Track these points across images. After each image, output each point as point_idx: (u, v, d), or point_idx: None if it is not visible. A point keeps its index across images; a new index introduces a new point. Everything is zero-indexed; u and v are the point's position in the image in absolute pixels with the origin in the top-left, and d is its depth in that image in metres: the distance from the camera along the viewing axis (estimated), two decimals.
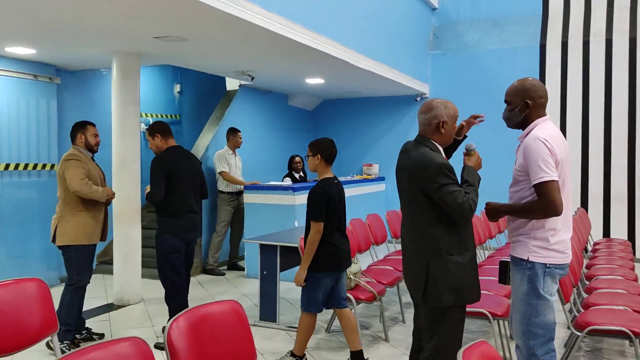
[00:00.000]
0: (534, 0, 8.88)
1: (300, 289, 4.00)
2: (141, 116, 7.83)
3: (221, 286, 6.58)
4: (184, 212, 4.49)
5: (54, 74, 6.52)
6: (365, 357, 4.01)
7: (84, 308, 4.66)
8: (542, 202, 2.69)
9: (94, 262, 4.61)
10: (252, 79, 7.48)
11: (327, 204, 3.74)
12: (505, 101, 2.98)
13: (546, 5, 8.83)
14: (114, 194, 4.54)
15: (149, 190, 4.45)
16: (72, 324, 4.33)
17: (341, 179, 7.43)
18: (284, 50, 5.75)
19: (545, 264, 2.77)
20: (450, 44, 9.39)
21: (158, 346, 4.32)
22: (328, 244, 3.81)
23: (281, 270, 5.14)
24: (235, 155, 7.38)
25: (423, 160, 2.77)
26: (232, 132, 7.37)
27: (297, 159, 8.04)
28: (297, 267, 3.93)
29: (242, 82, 8.29)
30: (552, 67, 8.63)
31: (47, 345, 4.33)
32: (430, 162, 2.74)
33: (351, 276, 4.43)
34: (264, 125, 9.08)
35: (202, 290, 6.35)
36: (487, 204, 2.96)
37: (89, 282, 4.48)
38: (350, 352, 3.96)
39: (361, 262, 5.03)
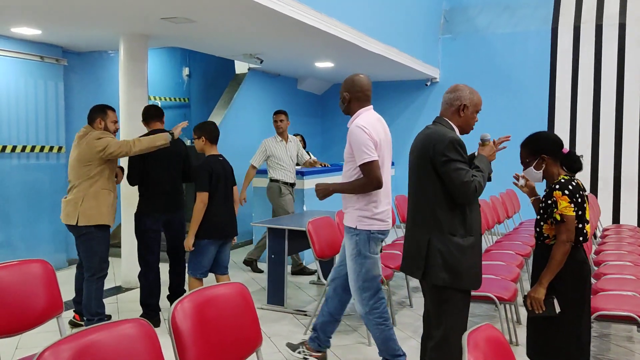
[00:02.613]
0: None
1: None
2: (149, 99, 7.84)
3: (230, 270, 6.58)
4: (159, 193, 4.57)
5: (60, 55, 6.50)
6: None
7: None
8: (367, 179, 3.21)
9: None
10: (261, 62, 7.42)
11: (210, 177, 4.11)
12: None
13: None
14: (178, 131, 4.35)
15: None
16: (103, 313, 4.25)
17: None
18: (293, 32, 5.69)
19: (370, 230, 3.30)
20: (461, 27, 9.26)
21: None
22: (213, 214, 4.15)
23: (289, 254, 5.14)
24: (284, 140, 6.40)
25: (435, 135, 2.77)
26: (274, 114, 6.56)
27: (298, 137, 8.03)
28: (306, 251, 3.99)
29: (251, 66, 8.24)
30: (563, 51, 8.49)
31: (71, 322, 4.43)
32: (442, 136, 2.73)
33: None
34: (273, 109, 8.99)
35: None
36: (316, 184, 3.46)
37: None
38: None
39: None
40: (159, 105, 5.10)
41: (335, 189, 3.39)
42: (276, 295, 5.05)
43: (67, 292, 5.44)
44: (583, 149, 8.33)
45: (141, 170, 4.54)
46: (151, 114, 4.71)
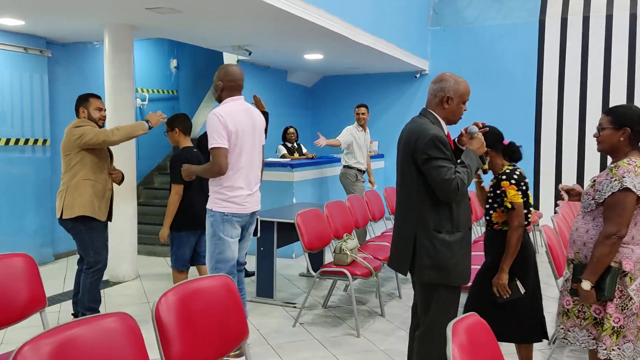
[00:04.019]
0: None
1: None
2: (137, 91, 7.76)
3: None
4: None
5: (44, 46, 6.41)
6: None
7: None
8: (211, 164, 3.41)
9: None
10: (250, 53, 7.36)
11: None
12: None
13: None
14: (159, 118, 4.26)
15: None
16: (96, 309, 4.15)
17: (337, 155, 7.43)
18: (282, 24, 5.64)
19: (224, 213, 3.48)
20: (449, 19, 9.25)
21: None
22: (189, 205, 4.28)
23: (278, 247, 5.13)
24: (363, 130, 6.91)
25: (417, 130, 2.70)
26: (355, 107, 7.00)
27: (291, 129, 7.99)
28: (295, 244, 3.97)
29: (240, 57, 8.18)
30: (551, 43, 8.51)
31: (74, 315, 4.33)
32: (424, 133, 2.65)
33: (347, 252, 4.41)
34: (263, 101, 8.98)
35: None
36: (182, 166, 3.70)
37: (106, 264, 4.25)
38: None
39: (358, 238, 5.02)
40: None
41: (194, 170, 3.65)
42: (265, 288, 5.04)
43: (53, 286, 5.43)
44: (570, 140, 8.37)
45: None
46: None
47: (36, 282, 2.64)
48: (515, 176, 3.01)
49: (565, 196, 3.02)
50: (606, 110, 2.72)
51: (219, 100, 3.58)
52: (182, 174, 3.70)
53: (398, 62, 8.31)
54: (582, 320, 2.66)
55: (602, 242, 2.51)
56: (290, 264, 6.49)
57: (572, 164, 8.36)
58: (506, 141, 3.12)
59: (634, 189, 2.47)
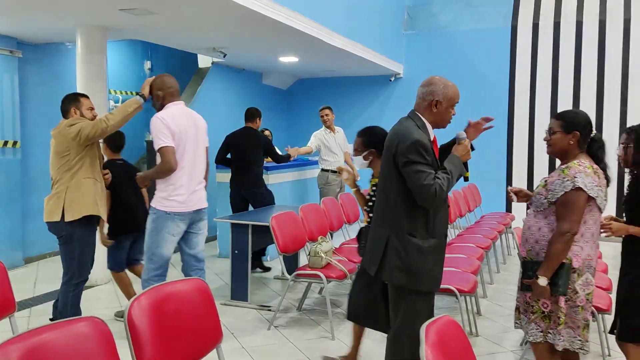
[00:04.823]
0: None
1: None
2: (110, 93, 7.66)
3: None
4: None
5: (15, 47, 6.29)
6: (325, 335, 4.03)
7: (52, 289, 4.56)
8: (161, 163, 3.61)
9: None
10: (225, 56, 7.34)
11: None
12: None
13: None
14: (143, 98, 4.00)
15: None
16: None
17: (315, 158, 7.44)
18: (257, 26, 5.65)
19: (166, 211, 3.67)
20: (424, 24, 9.36)
21: (118, 315, 4.45)
22: (122, 211, 4.42)
23: (253, 250, 5.11)
24: (331, 131, 7.04)
25: (401, 133, 2.68)
26: (319, 110, 7.15)
27: (266, 132, 7.99)
28: (270, 246, 3.99)
29: (215, 60, 8.15)
30: (522, 48, 8.68)
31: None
32: (407, 136, 2.63)
33: (322, 254, 4.43)
34: (237, 103, 8.96)
35: (171, 270, 6.28)
36: (136, 176, 3.90)
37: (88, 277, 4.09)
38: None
39: (334, 240, 5.04)
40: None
41: (147, 175, 3.84)
42: (240, 291, 5.02)
43: (23, 291, 5.32)
44: (541, 143, 8.50)
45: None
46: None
47: (5, 286, 2.60)
48: None
49: (515, 198, 3.10)
50: (556, 115, 2.83)
51: (161, 108, 3.77)
52: (138, 183, 3.92)
53: (373, 65, 8.37)
54: (531, 314, 2.75)
55: (557, 239, 2.60)
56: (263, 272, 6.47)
57: (544, 166, 8.52)
58: None
59: (585, 188, 2.58)
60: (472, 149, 2.89)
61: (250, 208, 6.21)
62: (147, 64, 8.76)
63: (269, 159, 6.74)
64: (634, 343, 2.92)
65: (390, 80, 9.51)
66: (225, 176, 7.06)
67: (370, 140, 3.35)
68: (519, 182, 8.61)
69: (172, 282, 2.32)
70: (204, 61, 8.36)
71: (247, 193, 6.23)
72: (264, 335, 4.31)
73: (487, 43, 8.82)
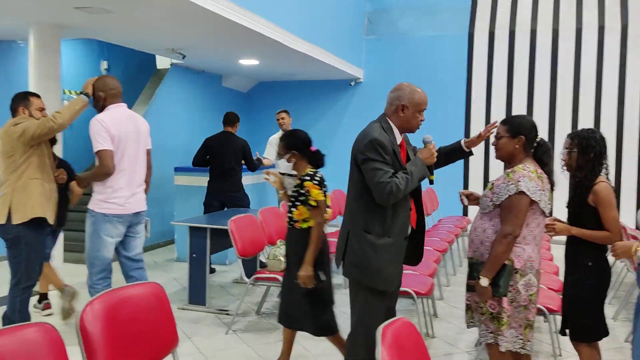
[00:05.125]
0: None
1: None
2: (64, 93, 7.46)
3: (150, 270, 6.39)
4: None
5: None
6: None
7: (1, 294, 4.39)
8: (99, 166, 3.63)
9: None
10: (184, 57, 7.25)
11: None
12: None
13: None
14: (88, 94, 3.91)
15: None
16: None
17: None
18: (217, 28, 5.60)
19: (104, 214, 3.68)
20: (384, 29, 9.47)
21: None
22: None
23: (211, 253, 5.07)
24: None
25: (364, 132, 2.78)
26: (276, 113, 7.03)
27: None
28: (229, 250, 3.99)
29: (174, 61, 8.04)
30: (479, 55, 8.90)
31: None
32: (367, 135, 2.72)
33: (280, 257, 4.41)
34: (197, 106, 8.87)
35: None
36: (77, 176, 4.00)
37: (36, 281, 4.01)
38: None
39: None
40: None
41: (84, 177, 3.91)
42: (198, 295, 4.96)
43: None
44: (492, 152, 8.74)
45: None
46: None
47: None
48: (317, 178, 3.36)
49: (465, 201, 3.18)
50: (503, 120, 2.93)
51: (102, 109, 3.76)
52: (77, 184, 4.00)
53: (333, 69, 8.42)
54: (481, 315, 2.82)
55: (500, 242, 2.68)
56: (224, 270, 6.42)
57: (499, 170, 8.67)
58: (314, 148, 3.48)
59: (527, 192, 2.66)
60: (472, 154, 3.21)
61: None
62: (104, 64, 8.57)
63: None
64: (585, 343, 3.02)
65: (351, 85, 9.58)
66: (183, 179, 6.99)
67: (291, 143, 3.45)
68: (475, 186, 8.80)
69: (127, 286, 2.28)
70: (162, 62, 8.23)
71: (226, 197, 6.25)
72: (222, 339, 4.27)
73: (445, 49, 9.01)
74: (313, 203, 3.31)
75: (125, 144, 3.71)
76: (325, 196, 3.40)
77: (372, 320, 2.68)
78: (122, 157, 3.70)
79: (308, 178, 3.35)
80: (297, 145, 3.43)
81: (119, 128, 3.68)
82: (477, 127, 8.88)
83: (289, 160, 3.48)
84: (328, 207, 3.46)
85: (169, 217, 7.00)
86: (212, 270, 6.28)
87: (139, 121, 3.92)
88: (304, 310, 3.42)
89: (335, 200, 6.69)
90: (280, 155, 3.54)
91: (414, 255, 2.98)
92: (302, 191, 3.35)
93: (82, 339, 1.95)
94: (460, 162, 8.88)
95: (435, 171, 2.95)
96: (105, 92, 3.76)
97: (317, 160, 3.49)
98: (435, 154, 2.84)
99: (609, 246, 2.87)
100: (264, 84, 10.22)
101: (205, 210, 6.22)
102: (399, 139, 2.83)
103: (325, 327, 3.44)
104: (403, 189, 2.65)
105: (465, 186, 8.88)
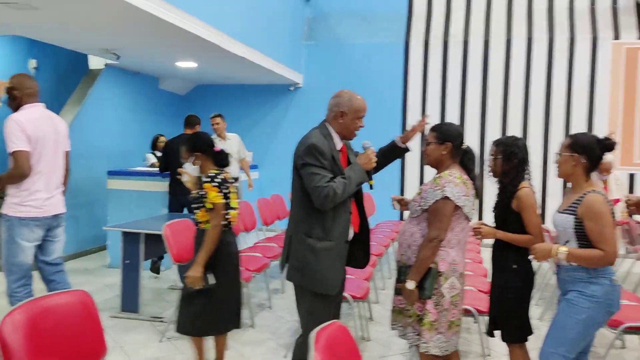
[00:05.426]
0: None
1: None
2: None
3: (81, 277, 6.17)
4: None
5: None
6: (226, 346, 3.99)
7: None
8: (14, 168, 3.52)
9: None
10: (118, 58, 7.04)
11: None
12: None
13: (410, 5, 9.32)
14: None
15: None
16: None
17: None
18: (153, 29, 5.47)
19: (20, 217, 3.57)
20: (323, 35, 9.56)
21: None
22: None
23: (146, 259, 4.94)
24: (222, 139, 6.97)
25: (303, 138, 2.81)
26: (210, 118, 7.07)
27: (162, 138, 7.79)
28: (165, 256, 3.87)
29: (108, 61, 7.79)
30: (415, 64, 9.14)
31: None
32: (306, 141, 2.76)
33: None
34: (132, 108, 8.63)
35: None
36: None
37: None
38: None
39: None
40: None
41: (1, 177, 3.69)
42: (131, 302, 4.81)
43: None
44: None
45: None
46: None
47: None
48: (217, 179, 3.34)
49: (397, 206, 3.26)
50: (432, 127, 3.03)
51: (17, 108, 3.66)
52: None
53: (272, 74, 8.40)
54: (408, 318, 2.90)
55: (425, 246, 2.77)
56: (159, 276, 6.27)
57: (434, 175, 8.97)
58: (217, 148, 3.47)
59: (452, 198, 2.77)
60: (408, 150, 3.21)
61: None
62: (32, 63, 8.19)
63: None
64: (517, 343, 3.14)
65: (290, 90, 9.60)
66: (117, 183, 6.79)
67: (192, 146, 3.43)
68: (412, 191, 8.98)
69: (51, 294, 2.19)
70: (95, 62, 7.96)
71: (187, 200, 6.07)
72: (156, 347, 4.17)
73: (382, 57, 9.19)
74: (209, 205, 3.30)
75: (42, 145, 3.62)
76: (227, 198, 3.38)
77: (316, 324, 2.68)
78: (39, 159, 3.61)
79: (208, 180, 3.33)
80: (200, 146, 3.42)
81: (36, 128, 3.59)
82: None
83: (194, 163, 3.45)
84: (232, 209, 3.43)
85: (101, 222, 6.76)
86: (157, 270, 6.15)
87: (57, 122, 3.83)
88: (184, 311, 3.40)
89: (274, 204, 6.68)
90: (184, 159, 3.50)
91: (361, 258, 3.02)
92: (202, 192, 3.34)
93: (1, 352, 1.86)
94: (397, 168, 9.15)
95: (373, 176, 2.99)
96: (20, 91, 3.66)
97: (221, 160, 3.48)
98: (374, 159, 2.89)
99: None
100: (202, 87, 10.08)
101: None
102: (338, 144, 2.87)
103: (190, 327, 3.40)
104: (340, 194, 2.70)
105: (402, 192, 9.07)
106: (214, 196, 3.29)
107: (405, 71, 9.14)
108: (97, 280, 6.06)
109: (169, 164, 6.20)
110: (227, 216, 3.39)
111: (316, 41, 9.55)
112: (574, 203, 2.66)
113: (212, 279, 3.31)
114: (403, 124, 9.12)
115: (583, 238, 2.62)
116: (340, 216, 2.81)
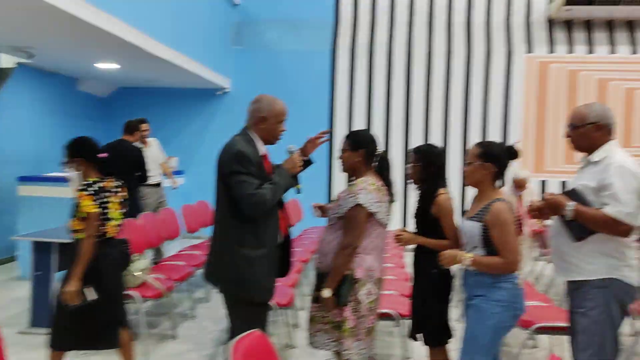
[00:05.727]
0: (326, 7, 9.45)
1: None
2: None
3: None
4: None
5: None
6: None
7: None
8: None
9: None
10: (32, 56, 6.66)
11: None
12: None
13: (337, 13, 9.47)
14: None
15: None
16: None
17: None
18: (70, 28, 5.21)
19: None
20: (251, 40, 9.51)
21: None
22: None
23: (60, 270, 4.67)
24: (143, 144, 6.53)
25: (227, 146, 2.74)
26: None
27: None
28: None
29: (20, 60, 7.35)
30: (341, 71, 9.30)
31: None
32: (231, 148, 2.69)
33: (135, 273, 4.19)
34: (47, 110, 8.19)
35: None
36: None
37: None
38: None
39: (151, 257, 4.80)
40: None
41: None
42: (41, 317, 4.52)
43: None
44: None
45: None
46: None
47: None
48: (93, 188, 3.17)
49: (318, 212, 3.28)
50: (346, 134, 3.06)
51: None
52: None
53: (199, 78, 8.25)
54: (325, 325, 2.90)
55: (340, 253, 2.79)
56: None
57: None
58: (103, 155, 3.31)
59: (365, 204, 2.79)
60: (311, 162, 3.06)
61: None
62: None
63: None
64: (437, 346, 3.21)
65: (217, 94, 9.46)
66: (30, 189, 6.41)
67: (73, 151, 3.27)
68: None
69: None
70: (6, 61, 7.49)
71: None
72: None
73: (310, 64, 9.27)
74: (82, 214, 3.12)
75: None
76: (105, 208, 3.20)
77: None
78: None
79: (82, 187, 3.15)
80: (82, 152, 3.24)
81: None
82: (340, 139, 9.20)
83: (76, 169, 3.27)
84: (109, 219, 3.23)
85: (10, 232, 6.35)
86: None
87: None
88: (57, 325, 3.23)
89: (199, 211, 6.54)
90: (66, 165, 3.32)
91: (282, 267, 2.97)
92: (77, 201, 3.17)
93: None
94: (325, 173, 9.21)
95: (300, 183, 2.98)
96: None
97: (105, 167, 3.31)
98: (300, 163, 2.88)
99: None
100: (125, 90, 9.73)
101: None
102: (262, 150, 2.83)
103: (58, 341, 3.26)
104: (270, 200, 2.67)
105: (329, 198, 9.14)
106: (87, 205, 3.10)
107: (332, 77, 9.26)
108: (4, 294, 5.68)
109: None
110: (101, 227, 3.19)
111: (245, 46, 9.48)
112: (480, 210, 2.71)
113: (91, 294, 3.10)
114: (330, 129, 9.22)
115: (489, 245, 2.67)
116: (270, 221, 2.80)
